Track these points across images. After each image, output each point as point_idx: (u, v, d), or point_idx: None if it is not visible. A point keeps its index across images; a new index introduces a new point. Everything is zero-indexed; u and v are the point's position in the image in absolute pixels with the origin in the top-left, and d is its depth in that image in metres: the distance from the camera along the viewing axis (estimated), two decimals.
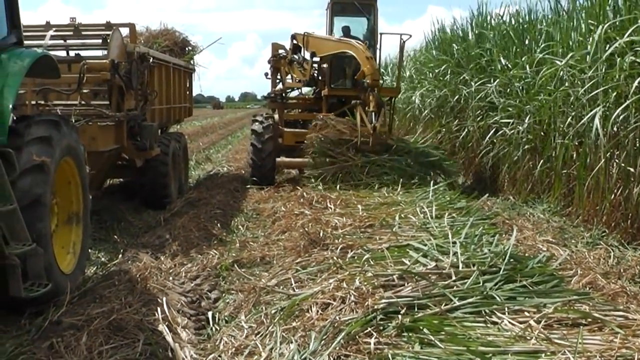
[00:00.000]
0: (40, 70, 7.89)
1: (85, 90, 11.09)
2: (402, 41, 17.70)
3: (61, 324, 6.47)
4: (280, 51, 20.60)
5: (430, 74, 22.79)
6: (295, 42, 19.72)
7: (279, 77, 20.75)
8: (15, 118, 7.39)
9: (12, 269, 6.16)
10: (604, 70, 10.88)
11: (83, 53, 11.73)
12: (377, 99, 15.58)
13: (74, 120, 9.54)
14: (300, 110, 20.77)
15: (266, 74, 21.13)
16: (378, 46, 18.01)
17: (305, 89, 21.42)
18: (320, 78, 18.99)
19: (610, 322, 4.91)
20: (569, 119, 12.33)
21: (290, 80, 20.38)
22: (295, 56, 19.55)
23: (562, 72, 12.58)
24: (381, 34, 17.97)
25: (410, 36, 18.39)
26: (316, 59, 18.80)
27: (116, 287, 7.79)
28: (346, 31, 18.67)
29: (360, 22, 19.30)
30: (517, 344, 4.56)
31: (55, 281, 6.92)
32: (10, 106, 6.94)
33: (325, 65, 18.39)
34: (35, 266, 6.52)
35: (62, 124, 7.63)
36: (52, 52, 9.01)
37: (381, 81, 19.37)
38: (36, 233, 6.65)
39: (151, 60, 13.24)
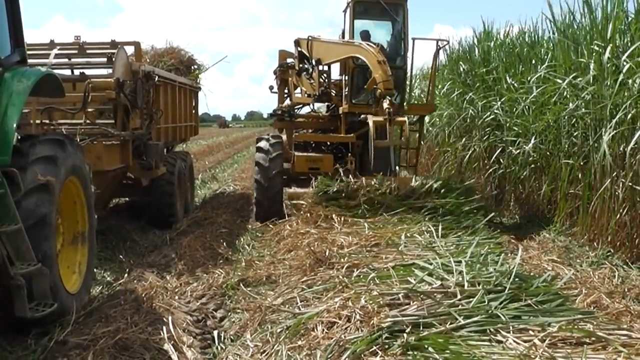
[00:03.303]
0: (44, 89, 7.89)
1: (90, 109, 11.11)
2: (438, 48, 15.84)
3: (67, 343, 6.46)
4: (289, 60, 18.52)
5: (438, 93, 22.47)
6: (299, 48, 17.20)
7: (287, 91, 19.04)
8: (19, 137, 7.40)
9: (17, 289, 6.16)
10: (611, 91, 10.90)
11: (88, 72, 11.74)
12: (395, 109, 12.87)
13: (79, 140, 9.56)
14: (312, 130, 17.64)
15: (271, 88, 19.55)
16: (409, 54, 15.61)
17: (317, 105, 18.28)
18: (334, 92, 16.69)
19: (614, 341, 4.90)
20: (574, 139, 12.35)
21: (299, 95, 18.37)
22: (304, 65, 16.98)
23: (565, 92, 12.61)
24: (413, 39, 15.53)
25: (448, 42, 17.22)
26: (325, 67, 16.59)
27: (122, 307, 7.79)
28: (365, 36, 15.77)
29: (383, 26, 16.58)
30: None
31: (61, 301, 6.92)
32: (15, 125, 6.95)
33: (342, 77, 16.10)
34: (40, 286, 6.52)
35: (67, 143, 7.64)
36: (56, 71, 9.01)
37: (406, 96, 16.39)
38: (41, 253, 6.65)
39: (156, 79, 13.25)
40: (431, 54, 16.33)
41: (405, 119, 13.42)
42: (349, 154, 15.08)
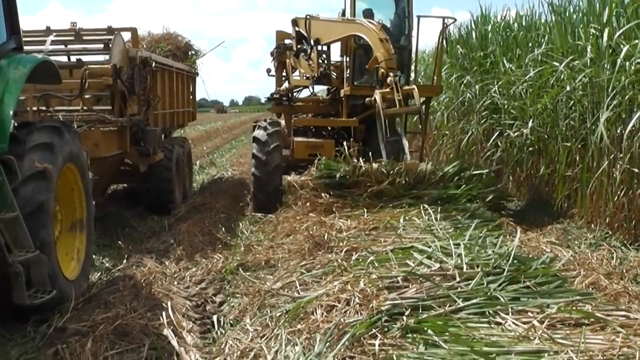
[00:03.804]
0: (41, 76, 7.87)
1: (87, 96, 11.10)
2: (444, 26, 15.04)
3: (66, 330, 6.47)
4: (287, 41, 17.49)
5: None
6: (297, 28, 16.19)
7: (284, 73, 18.07)
8: (16, 125, 7.39)
9: (15, 277, 6.16)
10: (607, 74, 10.90)
11: (84, 58, 11.70)
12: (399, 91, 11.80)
13: (76, 126, 9.53)
14: (312, 115, 16.91)
15: (268, 70, 18.76)
16: (414, 32, 14.98)
17: (318, 88, 17.86)
18: (335, 74, 15.99)
19: (612, 321, 4.90)
20: (572, 122, 12.36)
21: (298, 77, 17.42)
22: (302, 46, 15.99)
23: (562, 75, 12.59)
24: (418, 16, 14.87)
25: (455, 20, 16.61)
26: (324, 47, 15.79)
27: (121, 293, 7.80)
28: (368, 15, 14.99)
29: (387, 4, 15.64)
30: (521, 344, 4.56)
31: (60, 288, 6.92)
32: (11, 113, 6.93)
33: (343, 58, 15.38)
34: (39, 273, 6.51)
35: (64, 130, 7.62)
36: (52, 58, 9.00)
37: (411, 78, 15.59)
38: (39, 240, 6.64)
39: (154, 65, 13.22)
40: (432, 35, 15.97)
41: (414, 87, 12.53)
42: (351, 139, 14.39)
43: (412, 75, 15.93)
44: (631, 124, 10.12)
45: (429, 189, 11.66)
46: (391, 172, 11.63)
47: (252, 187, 14.46)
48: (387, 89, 11.75)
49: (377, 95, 11.77)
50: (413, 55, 15.66)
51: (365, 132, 14.84)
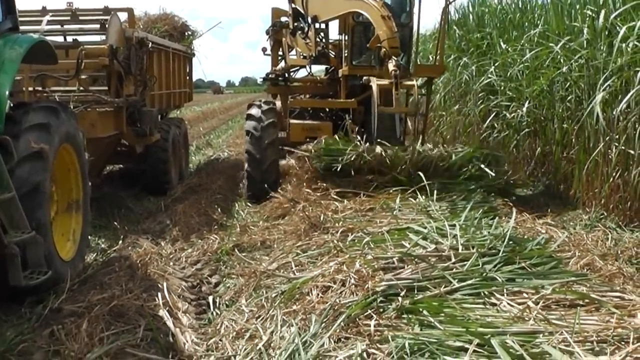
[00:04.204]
0: (37, 56, 7.85)
1: (83, 76, 11.06)
2: (447, 2, 13.97)
3: (62, 311, 6.48)
4: (283, 18, 16.78)
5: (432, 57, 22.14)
6: (293, 5, 15.65)
7: (281, 52, 17.27)
8: (12, 105, 7.37)
9: (11, 258, 6.15)
10: (603, 56, 10.89)
11: (81, 38, 11.61)
12: (401, 71, 11.43)
13: (72, 107, 9.52)
14: (309, 96, 16.46)
15: (264, 49, 17.72)
16: (416, 10, 14.00)
17: (317, 68, 17.33)
18: (333, 54, 15.38)
19: (607, 302, 4.92)
20: (568, 103, 12.35)
21: (294, 56, 16.51)
22: (299, 24, 15.26)
23: (558, 56, 12.58)
24: None
25: None
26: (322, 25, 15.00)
27: (117, 274, 7.82)
28: None
29: None
30: (516, 325, 4.57)
31: (55, 269, 6.92)
32: (7, 93, 6.92)
33: (342, 36, 14.65)
34: (34, 254, 6.51)
35: (61, 111, 7.61)
36: (48, 38, 8.97)
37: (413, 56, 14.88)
38: (35, 221, 6.64)
39: (150, 46, 13.21)
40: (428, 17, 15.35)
41: (414, 82, 12.17)
42: (350, 122, 13.13)
43: (413, 56, 15.03)
44: (623, 103, 10.12)
45: (437, 178, 10.86)
46: (396, 160, 11.07)
47: (246, 165, 13.63)
48: (387, 82, 11.30)
49: (374, 87, 11.43)
50: (414, 34, 14.89)
51: (364, 114, 14.01)
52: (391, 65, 11.23)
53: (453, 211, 9.02)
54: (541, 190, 12.94)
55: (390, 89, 11.15)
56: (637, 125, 10.08)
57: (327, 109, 15.48)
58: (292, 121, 14.22)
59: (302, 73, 16.86)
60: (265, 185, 12.70)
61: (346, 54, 14.30)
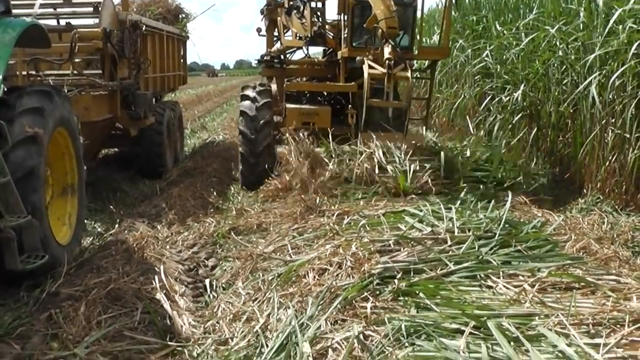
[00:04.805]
0: (30, 40, 7.78)
1: (77, 60, 11.01)
2: None
3: (59, 295, 6.48)
4: None
5: (429, 41, 21.99)
6: None
7: (276, 33, 16.52)
8: (5, 89, 7.33)
9: (7, 242, 6.14)
10: (601, 38, 10.88)
11: (74, 22, 11.52)
12: (399, 55, 10.92)
13: (66, 91, 9.49)
14: (306, 79, 15.46)
15: (259, 30, 17.05)
16: None
17: (315, 50, 16.35)
18: (332, 35, 14.56)
19: (602, 285, 4.94)
20: (564, 87, 12.35)
21: (290, 37, 15.70)
22: (294, 2, 14.68)
23: (554, 39, 12.57)
24: None
25: None
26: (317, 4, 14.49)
27: (113, 257, 7.81)
28: None
29: None
30: (512, 308, 4.60)
31: (52, 253, 6.91)
32: (1, 77, 6.89)
33: (341, 16, 13.51)
34: (30, 238, 6.50)
35: (55, 95, 7.57)
36: (42, 21, 8.90)
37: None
38: (31, 205, 6.62)
39: (144, 28, 13.13)
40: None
41: (409, 74, 11.16)
42: (349, 106, 13.00)
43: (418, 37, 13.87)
44: (614, 76, 10.14)
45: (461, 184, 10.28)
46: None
47: (240, 147, 13.09)
48: (380, 71, 10.79)
49: (366, 74, 10.88)
50: (419, 14, 13.67)
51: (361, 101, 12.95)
52: (387, 52, 10.78)
53: (449, 194, 9.04)
54: (537, 174, 12.91)
55: (383, 79, 10.72)
56: (633, 109, 10.10)
57: (325, 93, 14.90)
58: (289, 105, 13.41)
59: (299, 55, 16.10)
60: (260, 171, 12.39)
61: (345, 35, 13.25)
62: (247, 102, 13.11)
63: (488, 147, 12.55)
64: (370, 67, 11.00)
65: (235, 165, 14.74)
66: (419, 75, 16.04)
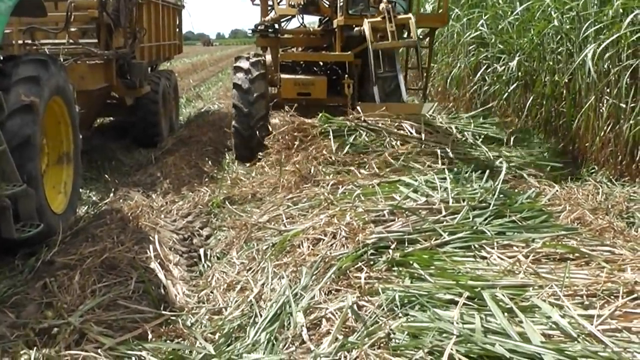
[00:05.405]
0: (26, 9, 7.73)
1: (73, 29, 10.96)
2: None
3: (54, 263, 6.50)
4: None
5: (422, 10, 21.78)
6: None
7: (271, 2, 15.05)
8: (2, 58, 7.32)
9: (3, 211, 6.14)
10: (595, 8, 10.87)
11: None
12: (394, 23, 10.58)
13: (62, 59, 9.46)
14: (302, 49, 15.00)
15: None
16: None
17: (311, 19, 15.95)
18: (327, 3, 14.04)
19: (597, 256, 4.95)
20: (559, 56, 12.33)
21: (285, 6, 14.64)
22: None
23: (549, 9, 12.55)
24: None
25: None
26: None
27: (108, 226, 7.83)
28: None
29: None
30: (506, 278, 4.60)
31: (47, 221, 6.92)
32: None
33: None
34: (26, 207, 6.50)
35: (51, 64, 7.54)
36: None
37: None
38: (26, 174, 6.62)
39: None
40: None
41: (410, 15, 11.08)
42: (346, 76, 12.51)
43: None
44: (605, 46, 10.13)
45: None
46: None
47: (233, 121, 12.75)
48: (379, 18, 10.65)
49: (366, 25, 10.69)
50: None
51: (361, 68, 12.93)
52: (383, 4, 10.60)
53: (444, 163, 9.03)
54: (532, 143, 12.90)
55: (384, 25, 10.54)
56: (628, 79, 10.09)
57: (321, 63, 14.13)
58: (283, 76, 12.91)
59: (294, 24, 15.37)
60: (254, 145, 12.13)
61: (341, 3, 12.67)
62: (240, 74, 12.72)
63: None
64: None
65: (231, 135, 14.59)
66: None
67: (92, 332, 5.08)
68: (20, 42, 10.58)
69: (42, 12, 8.27)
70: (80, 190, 8.97)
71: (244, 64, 12.82)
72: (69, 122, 8.15)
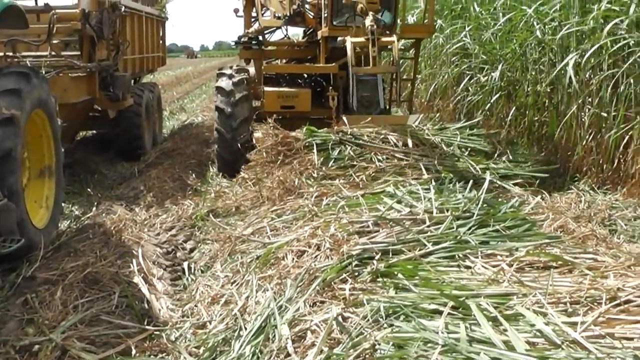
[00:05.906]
0: (7, 20, 7.72)
1: (55, 41, 10.95)
2: None
3: (35, 279, 6.44)
4: None
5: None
6: None
7: (254, 13, 14.93)
8: None
9: None
10: (576, 19, 10.93)
11: (52, 2, 11.49)
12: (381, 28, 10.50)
13: (44, 72, 9.44)
14: (286, 61, 14.92)
15: (236, 10, 15.71)
16: None
17: (295, 31, 15.73)
18: (312, 14, 13.83)
19: (580, 264, 4.95)
20: (541, 66, 12.39)
21: (269, 17, 14.48)
22: None
23: (532, 19, 12.62)
24: None
25: None
26: None
27: (91, 241, 7.79)
28: None
29: None
30: (490, 287, 4.60)
31: (28, 236, 6.86)
32: None
33: None
34: (7, 222, 6.46)
35: (32, 76, 7.50)
36: (19, 2, 8.84)
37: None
38: (7, 188, 6.57)
39: (123, 9, 13.11)
40: None
41: (394, 38, 10.73)
42: (331, 88, 12.36)
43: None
44: (590, 52, 10.17)
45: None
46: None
47: (216, 144, 12.59)
48: (362, 38, 10.29)
49: (349, 45, 10.43)
50: None
51: (346, 79, 11.71)
52: (368, 21, 10.18)
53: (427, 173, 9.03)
54: (515, 153, 12.94)
55: (366, 46, 10.18)
56: (609, 88, 10.14)
57: (306, 75, 14.10)
58: (267, 89, 12.61)
59: (278, 36, 15.26)
60: (237, 150, 11.72)
61: (326, 14, 12.43)
62: (222, 97, 12.27)
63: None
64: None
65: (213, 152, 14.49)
66: (402, 55, 15.53)
67: (74, 348, 5.05)
68: (1, 54, 10.54)
69: (24, 24, 8.25)
70: (63, 204, 8.93)
71: (226, 84, 12.33)
72: (51, 135, 8.10)
